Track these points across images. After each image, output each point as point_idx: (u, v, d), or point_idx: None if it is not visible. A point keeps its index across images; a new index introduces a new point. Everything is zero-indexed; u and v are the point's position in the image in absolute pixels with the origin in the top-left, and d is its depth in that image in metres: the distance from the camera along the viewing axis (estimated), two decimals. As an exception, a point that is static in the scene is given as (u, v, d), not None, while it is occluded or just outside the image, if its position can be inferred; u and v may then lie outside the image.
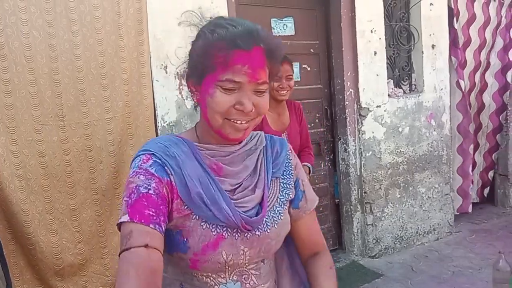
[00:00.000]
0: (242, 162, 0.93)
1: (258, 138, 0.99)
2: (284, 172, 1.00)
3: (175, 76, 2.61)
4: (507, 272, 2.59)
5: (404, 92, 3.77)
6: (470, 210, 4.26)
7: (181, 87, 2.63)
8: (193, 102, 0.94)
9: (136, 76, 2.48)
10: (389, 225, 3.65)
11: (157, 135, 2.59)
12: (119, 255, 0.78)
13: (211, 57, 0.83)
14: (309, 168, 2.56)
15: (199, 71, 0.87)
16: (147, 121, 2.55)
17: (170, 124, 2.63)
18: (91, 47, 2.30)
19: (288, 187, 0.99)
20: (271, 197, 0.95)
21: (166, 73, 2.58)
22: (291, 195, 1.00)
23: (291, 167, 1.01)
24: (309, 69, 3.42)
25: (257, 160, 0.96)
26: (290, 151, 1.04)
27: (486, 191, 4.63)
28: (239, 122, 0.85)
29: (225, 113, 0.84)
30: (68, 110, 2.28)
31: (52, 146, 2.27)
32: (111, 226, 2.46)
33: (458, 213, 4.21)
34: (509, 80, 4.35)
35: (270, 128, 2.37)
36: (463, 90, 4.00)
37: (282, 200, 0.97)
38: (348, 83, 3.42)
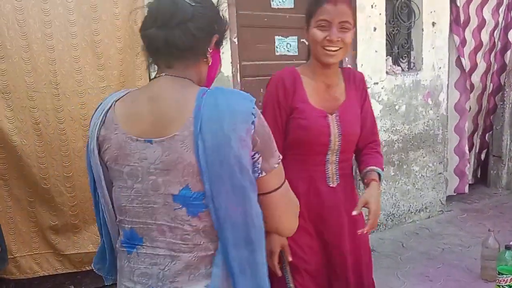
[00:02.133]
0: None
1: None
2: None
3: (171, 46, 2.56)
4: (496, 249, 2.66)
5: (402, 70, 3.74)
6: (466, 190, 4.29)
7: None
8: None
9: (130, 45, 2.43)
10: (382, 202, 3.69)
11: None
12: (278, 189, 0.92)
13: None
14: (379, 174, 1.54)
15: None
16: None
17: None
18: (85, 13, 2.26)
19: None
20: None
21: (162, 42, 2.53)
22: None
23: None
24: (307, 43, 3.36)
25: None
26: None
27: (479, 171, 4.68)
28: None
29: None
30: (62, 77, 2.25)
31: (46, 114, 2.26)
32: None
33: (455, 194, 4.25)
34: (507, 61, 4.33)
35: (310, 105, 1.49)
36: (464, 68, 3.97)
37: None
38: (347, 59, 3.38)
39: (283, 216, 0.96)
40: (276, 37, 3.18)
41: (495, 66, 4.37)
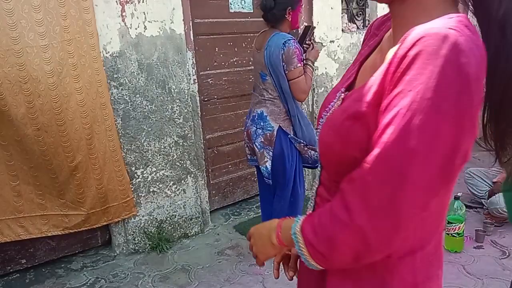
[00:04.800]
0: None
1: None
2: None
3: (116, 1, 2.38)
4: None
5: (358, 28, 3.73)
6: None
7: (123, 14, 2.41)
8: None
9: (74, -3, 2.22)
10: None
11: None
12: (292, 80, 2.30)
13: None
14: None
15: None
16: (92, 50, 2.32)
17: (114, 55, 2.44)
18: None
19: None
20: None
21: (107, -3, 2.35)
22: None
23: None
24: (262, 0, 3.25)
25: None
26: None
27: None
28: None
29: None
30: (-6, 34, 2.02)
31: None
32: (59, 160, 2.33)
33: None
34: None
35: None
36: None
37: None
38: (303, 17, 3.31)
39: (296, 91, 2.26)
40: (230, -8, 3.04)
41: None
